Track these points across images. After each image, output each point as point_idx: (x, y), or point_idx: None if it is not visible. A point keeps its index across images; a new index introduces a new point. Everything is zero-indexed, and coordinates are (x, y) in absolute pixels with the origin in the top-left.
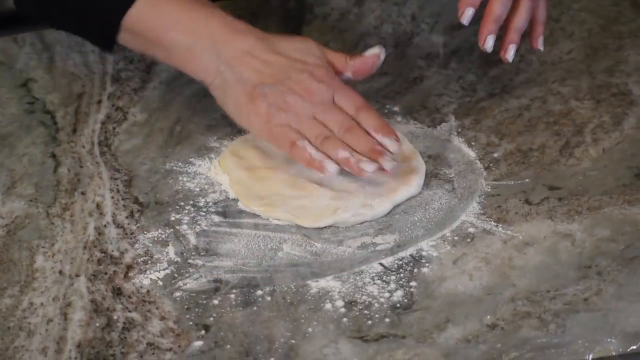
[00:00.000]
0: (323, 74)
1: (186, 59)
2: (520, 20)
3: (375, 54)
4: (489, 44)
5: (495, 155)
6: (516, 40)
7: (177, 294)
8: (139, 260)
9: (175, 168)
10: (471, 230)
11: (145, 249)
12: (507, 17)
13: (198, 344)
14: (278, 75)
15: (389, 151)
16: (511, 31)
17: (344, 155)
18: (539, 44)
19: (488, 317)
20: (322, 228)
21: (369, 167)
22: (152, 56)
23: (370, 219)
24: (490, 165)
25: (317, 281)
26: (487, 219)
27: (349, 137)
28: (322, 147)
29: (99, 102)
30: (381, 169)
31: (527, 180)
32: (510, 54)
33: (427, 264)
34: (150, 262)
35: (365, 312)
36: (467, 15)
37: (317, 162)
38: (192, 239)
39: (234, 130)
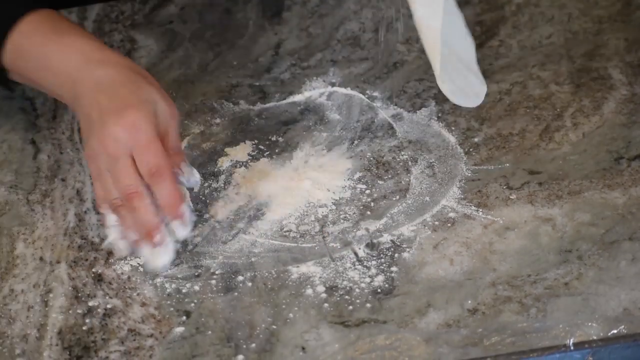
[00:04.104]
0: (137, 122)
1: (63, 100)
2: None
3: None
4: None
5: (476, 139)
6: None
7: (158, 280)
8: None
9: None
10: (452, 215)
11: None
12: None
13: (179, 329)
14: (94, 117)
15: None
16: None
17: (119, 227)
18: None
19: (469, 301)
20: (303, 214)
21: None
22: None
23: None
24: (471, 150)
25: (297, 267)
26: (467, 203)
27: (130, 206)
28: (113, 210)
29: None
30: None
31: (508, 164)
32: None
33: (407, 249)
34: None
35: (347, 297)
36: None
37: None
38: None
39: (214, 116)
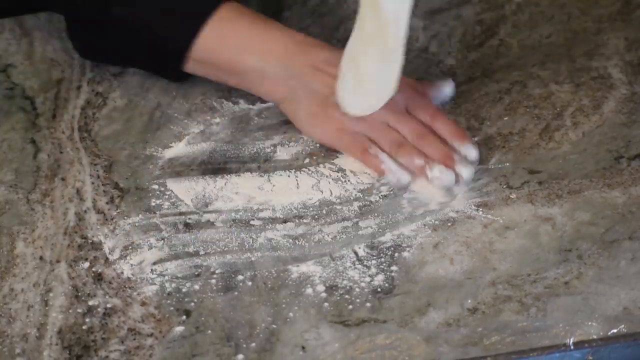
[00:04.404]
0: (405, 85)
1: (258, 82)
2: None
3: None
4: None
5: (476, 139)
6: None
7: (158, 279)
8: (120, 245)
9: (155, 153)
10: (452, 214)
11: (126, 234)
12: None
13: (179, 329)
14: None
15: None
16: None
17: (419, 163)
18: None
19: (469, 301)
20: (302, 214)
21: (446, 177)
22: (220, 81)
23: None
24: None
25: (298, 266)
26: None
27: (423, 144)
28: (396, 155)
29: (79, 87)
30: (458, 178)
31: (508, 164)
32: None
33: (407, 249)
34: (130, 247)
35: (347, 296)
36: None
37: (389, 171)
38: (173, 225)
39: (214, 115)
